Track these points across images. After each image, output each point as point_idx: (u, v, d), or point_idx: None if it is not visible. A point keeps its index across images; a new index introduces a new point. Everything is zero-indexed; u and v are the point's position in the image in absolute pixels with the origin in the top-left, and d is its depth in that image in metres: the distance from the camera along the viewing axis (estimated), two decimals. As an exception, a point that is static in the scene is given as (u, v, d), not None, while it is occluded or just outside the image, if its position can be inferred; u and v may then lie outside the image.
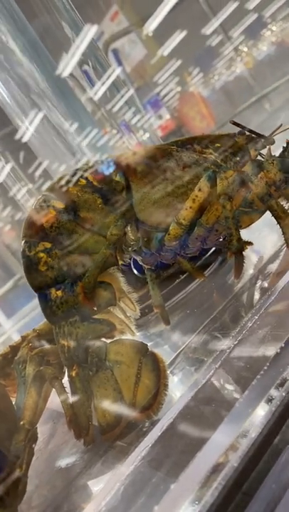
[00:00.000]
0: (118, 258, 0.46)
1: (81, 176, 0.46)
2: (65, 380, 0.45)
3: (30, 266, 0.44)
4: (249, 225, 0.51)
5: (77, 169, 0.47)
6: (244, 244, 0.48)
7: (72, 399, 0.43)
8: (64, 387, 0.45)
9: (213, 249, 0.62)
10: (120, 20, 2.85)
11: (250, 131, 0.51)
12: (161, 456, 0.35)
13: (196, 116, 3.21)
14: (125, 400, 0.40)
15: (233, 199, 0.45)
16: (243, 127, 0.50)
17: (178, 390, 0.43)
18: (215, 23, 2.70)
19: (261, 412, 0.35)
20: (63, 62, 0.98)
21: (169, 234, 0.47)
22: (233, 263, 0.57)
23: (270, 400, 0.36)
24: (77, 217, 0.44)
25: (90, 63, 1.08)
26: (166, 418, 0.38)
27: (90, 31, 1.02)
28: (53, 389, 0.45)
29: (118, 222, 0.44)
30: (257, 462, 0.32)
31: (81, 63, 1.08)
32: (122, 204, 0.46)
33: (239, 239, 0.46)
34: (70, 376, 0.43)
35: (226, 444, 0.33)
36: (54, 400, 0.45)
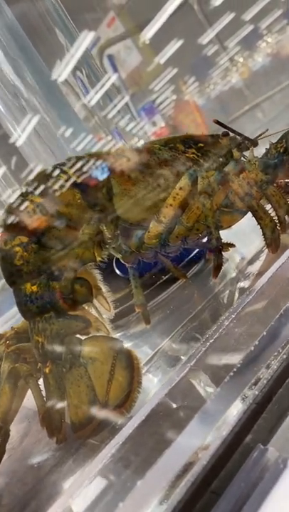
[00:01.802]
0: (96, 255, 0.46)
1: (61, 171, 0.45)
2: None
3: (6, 260, 0.43)
4: (230, 225, 0.51)
5: (57, 164, 0.47)
6: (225, 246, 0.48)
7: (45, 396, 0.42)
8: (38, 385, 0.44)
9: (196, 251, 0.62)
10: (117, 27, 2.86)
11: (233, 131, 0.51)
12: (131, 453, 0.34)
13: (190, 124, 3.22)
14: (98, 398, 0.40)
15: (213, 198, 0.45)
16: (225, 127, 0.50)
17: (154, 387, 0.43)
18: (211, 33, 2.72)
19: (234, 411, 0.34)
20: (57, 69, 0.99)
21: (149, 232, 0.47)
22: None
23: (243, 399, 0.35)
24: (55, 212, 0.44)
25: (84, 71, 1.09)
26: (138, 416, 0.37)
27: (84, 39, 1.03)
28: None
29: (91, 221, 0.44)
30: (227, 460, 0.32)
31: (74, 70, 1.09)
32: (102, 200, 0.45)
33: (218, 238, 0.45)
34: (43, 373, 0.43)
35: (196, 442, 0.33)
36: (31, 399, 0.45)
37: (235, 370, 0.36)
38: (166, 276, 0.62)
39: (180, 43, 2.54)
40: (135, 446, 0.35)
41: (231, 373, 0.35)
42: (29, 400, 0.45)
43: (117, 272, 0.61)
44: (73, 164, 0.46)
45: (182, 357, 0.45)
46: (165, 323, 0.55)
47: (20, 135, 0.89)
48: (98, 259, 0.46)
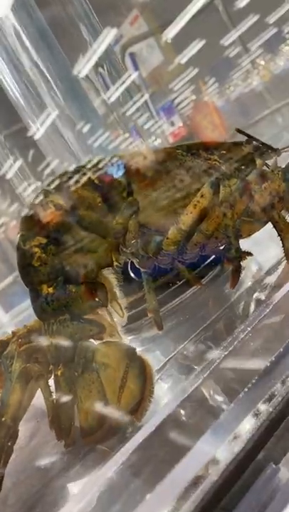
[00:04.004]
0: (114, 259, 0.45)
1: (82, 174, 0.45)
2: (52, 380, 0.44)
3: (24, 260, 0.43)
4: (250, 235, 0.50)
5: (79, 166, 0.46)
6: (243, 255, 0.47)
7: (55, 399, 0.42)
8: (49, 386, 0.44)
9: (212, 257, 0.61)
10: (140, 25, 2.86)
11: (256, 140, 0.50)
12: (141, 463, 0.34)
13: (208, 125, 3.21)
14: (109, 404, 0.39)
15: (234, 207, 0.44)
16: (248, 136, 0.49)
17: (165, 396, 0.43)
18: (234, 35, 2.71)
19: (247, 426, 0.34)
20: (79, 64, 0.99)
21: (167, 238, 0.46)
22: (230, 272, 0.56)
23: (256, 415, 0.35)
24: (75, 215, 0.44)
25: (105, 67, 1.09)
26: (149, 425, 0.37)
27: (107, 35, 1.03)
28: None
29: (124, 211, 0.43)
30: (238, 477, 0.31)
31: (96, 66, 1.09)
32: (122, 204, 0.45)
33: (238, 248, 0.45)
34: (55, 375, 0.42)
35: (207, 455, 0.32)
36: (40, 398, 0.45)
37: (249, 385, 0.35)
38: (181, 282, 0.62)
39: (202, 43, 2.53)
40: (145, 456, 0.35)
41: (246, 389, 0.35)
42: (38, 399, 0.45)
43: (132, 275, 0.61)
44: (95, 166, 0.46)
45: (195, 366, 0.44)
46: (178, 330, 0.54)
47: (38, 129, 0.89)
48: (115, 263, 0.46)
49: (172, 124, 3.07)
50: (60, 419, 0.41)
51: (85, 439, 0.40)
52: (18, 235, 0.44)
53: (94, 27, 1.04)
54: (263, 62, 3.17)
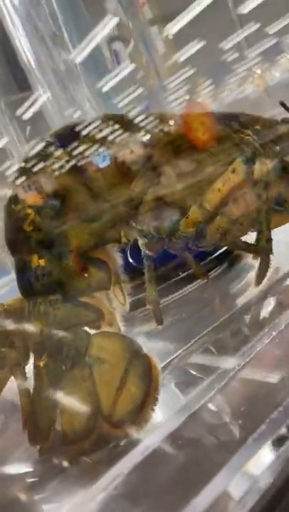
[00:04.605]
0: (122, 234, 0.38)
1: (96, 128, 0.37)
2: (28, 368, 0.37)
3: (13, 222, 0.35)
4: (276, 227, 0.43)
5: (93, 119, 0.38)
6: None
7: (34, 394, 0.35)
8: (26, 378, 0.36)
9: (224, 249, 0.54)
10: (145, 12, 2.78)
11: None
12: (140, 492, 0.27)
13: (199, 127, 3.16)
14: (102, 408, 0.32)
15: (270, 190, 0.38)
16: (291, 111, 0.43)
17: (163, 407, 0.35)
18: (235, 39, 2.66)
19: (271, 456, 0.27)
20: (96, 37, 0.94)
21: (187, 218, 0.39)
22: (241, 268, 0.50)
23: (280, 441, 0.28)
24: (83, 174, 0.36)
25: (133, 40, 1.05)
26: (148, 442, 0.30)
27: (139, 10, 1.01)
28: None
29: (144, 176, 0.36)
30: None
31: (111, 40, 1.04)
32: (141, 169, 0.37)
33: (269, 239, 0.38)
34: (36, 366, 0.35)
35: (221, 489, 0.25)
36: (12, 388, 0.37)
37: (278, 407, 0.29)
38: (184, 274, 0.55)
39: (205, 41, 2.47)
40: (144, 482, 0.28)
41: (274, 414, 0.28)
42: (8, 390, 0.38)
43: (130, 260, 0.53)
44: (111, 121, 0.38)
45: (199, 375, 0.38)
46: (178, 328, 0.48)
47: (48, 98, 0.83)
48: (123, 240, 0.38)
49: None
50: (38, 419, 0.34)
51: (66, 448, 0.32)
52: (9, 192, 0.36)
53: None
54: (259, 71, 3.15)
